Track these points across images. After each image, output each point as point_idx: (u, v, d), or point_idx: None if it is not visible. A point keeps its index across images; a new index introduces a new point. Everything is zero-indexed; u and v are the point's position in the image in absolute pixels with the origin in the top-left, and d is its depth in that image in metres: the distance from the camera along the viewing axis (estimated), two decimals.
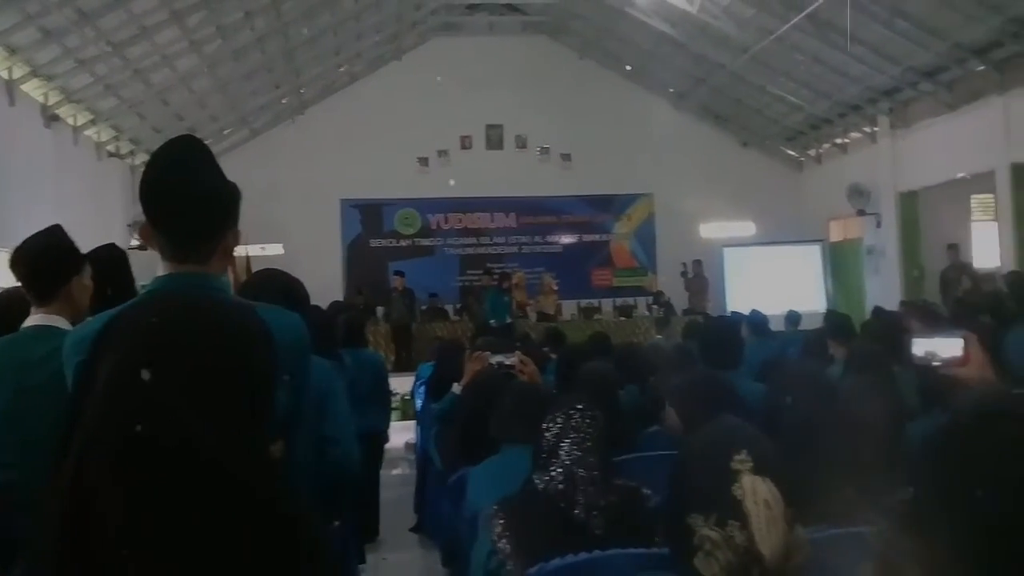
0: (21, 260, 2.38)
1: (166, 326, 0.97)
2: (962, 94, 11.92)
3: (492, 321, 12.15)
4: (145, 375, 0.93)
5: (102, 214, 11.58)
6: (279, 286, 2.60)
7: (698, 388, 2.92)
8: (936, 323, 7.02)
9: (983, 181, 11.91)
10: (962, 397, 1.85)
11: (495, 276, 14.04)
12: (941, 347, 1.94)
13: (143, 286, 1.84)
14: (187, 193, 1.61)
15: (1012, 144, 10.95)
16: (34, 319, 2.35)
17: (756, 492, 1.31)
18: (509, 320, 12.59)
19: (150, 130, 13.10)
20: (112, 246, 2.92)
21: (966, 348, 1.89)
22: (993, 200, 11.90)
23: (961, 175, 12.19)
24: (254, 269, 9.85)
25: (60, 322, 2.30)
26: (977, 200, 14.02)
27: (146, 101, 12.16)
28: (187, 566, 0.87)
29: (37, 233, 2.45)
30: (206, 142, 1.78)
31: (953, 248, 12.14)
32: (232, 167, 1.79)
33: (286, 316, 1.78)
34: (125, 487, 0.88)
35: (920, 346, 1.95)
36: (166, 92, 12.28)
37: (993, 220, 12.06)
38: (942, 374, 1.92)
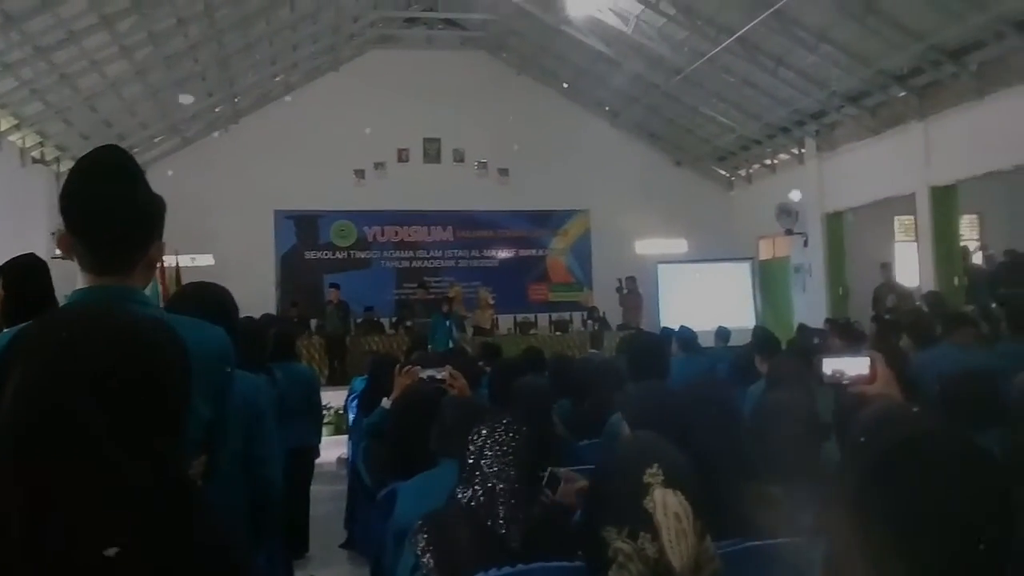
0: None
1: (75, 342, 0.96)
2: (884, 119, 12.38)
3: (430, 347, 12.10)
4: (51, 392, 0.92)
5: (24, 222, 11.21)
6: (207, 299, 2.55)
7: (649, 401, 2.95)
8: (857, 341, 7.27)
9: (905, 203, 12.35)
10: (865, 416, 1.92)
11: (431, 295, 14.06)
12: (849, 366, 2.01)
13: (66, 297, 1.80)
14: (109, 204, 1.59)
15: (931, 168, 11.40)
16: None
17: (667, 505, 1.35)
18: (451, 346, 12.57)
19: (77, 136, 12.74)
20: (31, 255, 2.83)
21: (872, 366, 1.96)
22: (914, 221, 12.34)
23: (884, 197, 12.63)
24: (184, 280, 9.68)
25: None
26: (899, 221, 14.54)
27: (73, 107, 11.84)
28: None
29: None
30: (135, 150, 1.77)
31: (885, 267, 12.54)
32: (162, 176, 1.78)
33: (208, 330, 1.76)
34: (28, 508, 0.87)
35: (829, 365, 2.02)
36: (94, 98, 11.98)
37: (914, 241, 12.51)
38: (850, 392, 1.99)
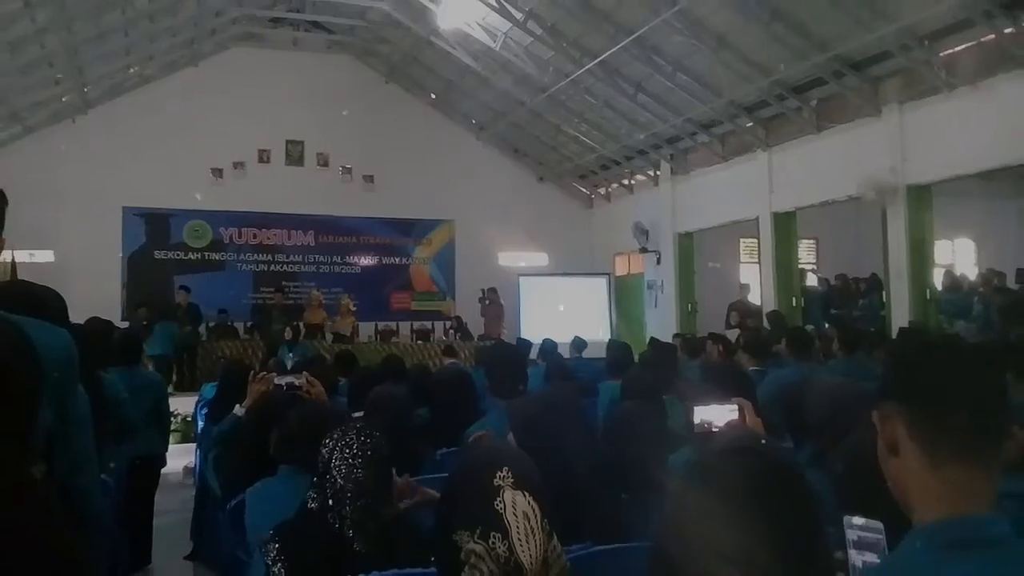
0: None
1: None
2: (733, 146, 13.11)
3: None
4: None
5: None
6: (33, 299, 2.34)
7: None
8: (697, 355, 7.65)
9: (750, 227, 13.09)
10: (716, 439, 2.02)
11: (289, 300, 13.82)
12: (718, 415, 2.07)
13: None
14: None
15: (774, 195, 12.17)
16: None
17: (516, 505, 1.42)
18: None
19: None
20: None
21: (741, 413, 2.05)
22: (757, 244, 13.10)
23: (731, 220, 13.34)
24: (21, 277, 9.07)
25: None
26: (745, 243, 15.39)
27: None
28: None
29: None
30: None
31: (744, 287, 13.23)
32: None
33: (54, 332, 1.71)
34: None
35: (699, 414, 2.07)
36: None
37: (757, 262, 13.27)
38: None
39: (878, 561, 1.50)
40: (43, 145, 14.19)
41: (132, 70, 14.72)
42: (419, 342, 14.40)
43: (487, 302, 14.98)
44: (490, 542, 1.40)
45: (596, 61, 12.07)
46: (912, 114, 9.96)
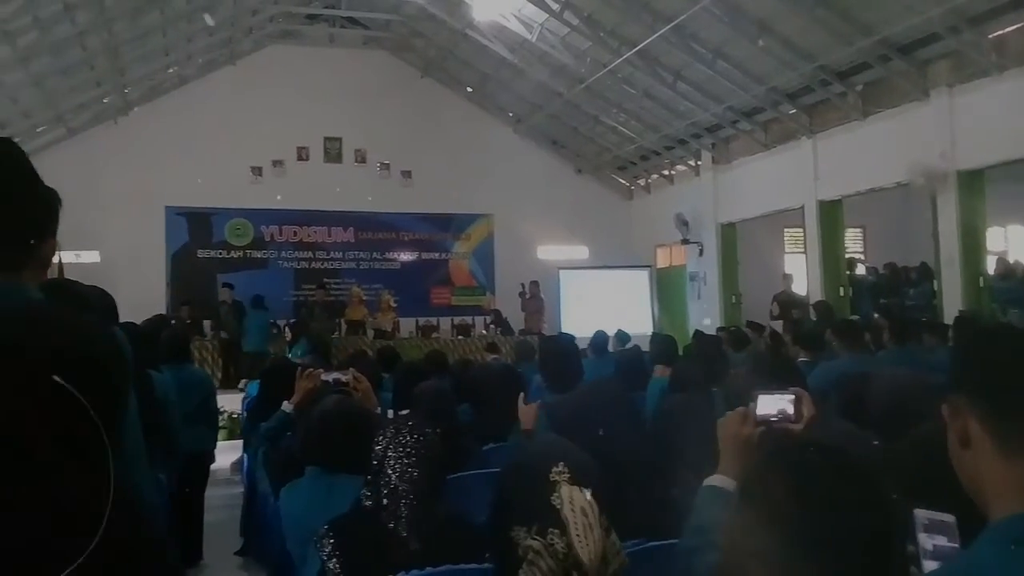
0: None
1: (22, 338, 0.92)
2: (776, 135, 12.90)
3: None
4: None
5: None
6: (84, 297, 2.40)
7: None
8: (744, 347, 7.53)
9: (794, 216, 12.88)
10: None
11: (331, 296, 13.94)
12: (776, 405, 1.99)
13: None
14: (2, 200, 1.51)
15: (819, 182, 11.95)
16: None
17: (573, 500, 1.38)
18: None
19: None
20: None
21: (797, 405, 1.98)
22: (802, 233, 12.88)
23: (775, 209, 13.14)
24: (67, 277, 9.21)
25: None
26: (789, 233, 15.16)
27: None
28: None
29: None
30: (16, 140, 1.67)
31: (787, 277, 13.04)
32: (45, 168, 1.69)
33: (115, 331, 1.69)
34: None
35: (762, 405, 1.98)
36: None
37: (802, 252, 13.06)
38: (775, 429, 1.98)
39: (949, 546, 1.44)
40: (86, 147, 14.43)
41: (171, 70, 14.92)
42: (459, 337, 14.42)
43: (527, 296, 14.95)
44: (548, 538, 1.36)
45: (634, 50, 11.94)
46: (961, 98, 9.70)
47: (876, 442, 2.25)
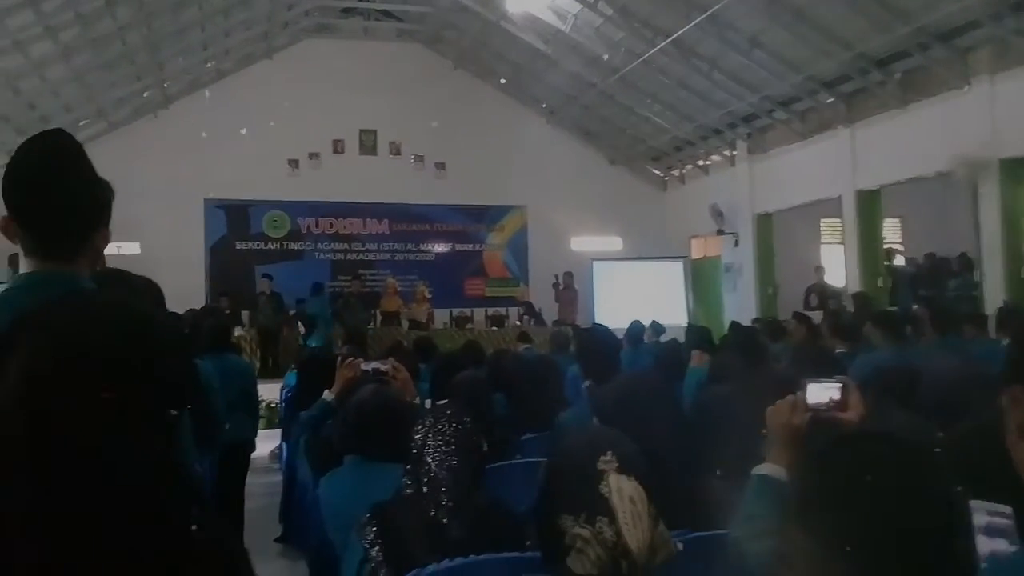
0: None
1: (83, 324, 0.94)
2: (813, 124, 12.73)
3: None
4: (56, 374, 0.90)
5: None
6: (138, 287, 2.47)
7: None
8: (782, 339, 7.47)
9: (831, 206, 12.72)
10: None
11: (366, 288, 14.02)
12: (822, 394, 1.98)
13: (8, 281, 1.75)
14: (56, 190, 1.56)
15: (857, 172, 11.78)
16: None
17: (621, 489, 1.39)
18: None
19: None
20: None
21: (844, 393, 1.97)
22: (840, 224, 12.72)
23: (812, 200, 12.99)
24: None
25: None
26: (826, 223, 14.97)
27: None
28: None
29: None
30: None
31: (819, 269, 12.89)
32: None
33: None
34: (35, 490, 0.85)
35: (812, 393, 1.97)
36: (17, 79, 11.52)
37: (840, 243, 12.90)
38: (822, 418, 1.97)
39: (1011, 549, 1.42)
40: (127, 140, 14.65)
41: (209, 64, 15.09)
42: (493, 328, 14.45)
43: (561, 287, 14.93)
44: (597, 527, 1.37)
45: (669, 40, 11.85)
46: (1004, 85, 9.50)
47: (941, 433, 2.23)
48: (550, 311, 14.94)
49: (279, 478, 6.41)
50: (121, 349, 0.93)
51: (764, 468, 1.86)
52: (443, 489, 2.21)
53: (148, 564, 0.88)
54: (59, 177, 1.57)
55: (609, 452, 1.42)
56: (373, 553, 2.16)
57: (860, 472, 1.09)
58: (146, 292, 2.41)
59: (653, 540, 1.39)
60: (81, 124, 14.17)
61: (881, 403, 2.44)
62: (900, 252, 14.37)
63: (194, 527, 0.95)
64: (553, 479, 1.47)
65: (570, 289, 14.92)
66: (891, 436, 1.17)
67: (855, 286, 11.61)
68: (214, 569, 0.96)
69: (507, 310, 15.48)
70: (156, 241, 13.82)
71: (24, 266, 1.61)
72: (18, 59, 11.01)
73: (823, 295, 12.43)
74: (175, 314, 3.60)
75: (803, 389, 1.96)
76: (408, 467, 2.32)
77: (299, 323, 12.51)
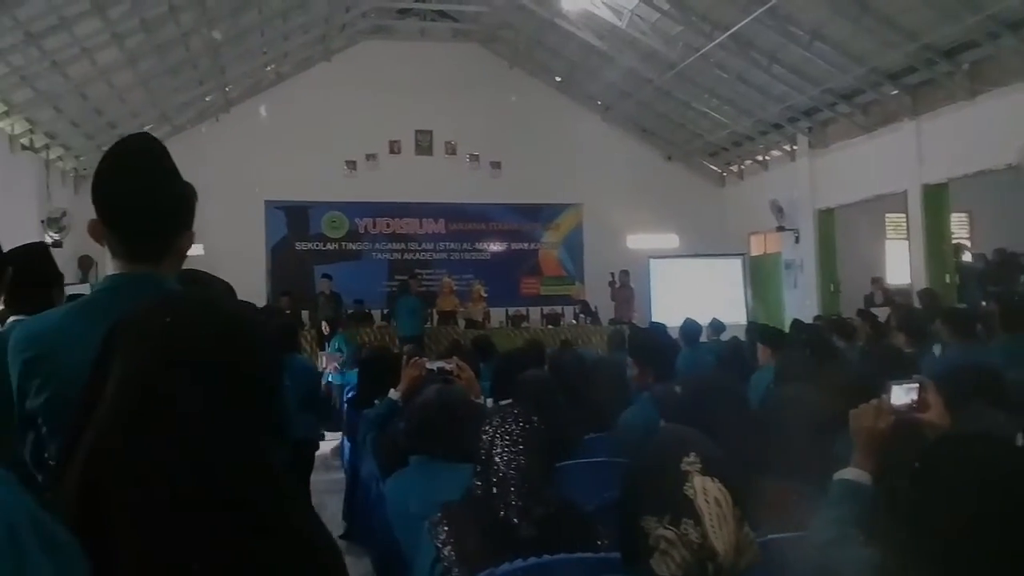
0: None
1: (180, 328, 0.96)
2: (876, 117, 12.44)
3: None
4: (155, 378, 0.91)
5: (13, 209, 11.10)
6: (215, 288, 2.53)
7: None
8: (850, 337, 7.31)
9: (896, 201, 12.41)
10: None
11: (422, 287, 14.12)
12: (899, 395, 1.94)
13: (96, 283, 1.79)
14: (144, 193, 1.59)
15: (923, 166, 11.47)
16: None
17: (707, 491, 1.36)
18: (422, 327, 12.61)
19: (67, 124, 12.63)
20: (39, 243, 2.84)
21: (922, 393, 1.91)
22: (905, 219, 12.40)
23: (875, 194, 12.69)
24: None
25: None
26: (890, 219, 14.62)
27: (63, 94, 11.72)
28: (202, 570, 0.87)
29: None
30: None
31: (876, 281, 12.62)
32: None
33: None
34: (136, 492, 0.87)
35: (897, 395, 1.92)
36: (85, 85, 11.86)
37: (904, 238, 12.58)
38: (905, 419, 1.92)
39: None
40: (189, 143, 14.91)
41: (269, 68, 15.34)
42: (549, 327, 14.44)
43: (617, 285, 14.84)
44: (682, 528, 1.35)
45: (727, 34, 11.68)
46: None
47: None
48: (606, 310, 14.86)
49: (340, 475, 6.48)
50: (219, 350, 0.94)
51: (848, 473, 1.81)
52: (512, 489, 2.21)
53: (251, 559, 0.89)
54: (147, 180, 1.60)
55: (693, 453, 1.39)
56: (445, 553, 2.16)
57: (969, 476, 1.05)
58: (225, 292, 2.46)
59: (739, 543, 1.36)
60: (146, 128, 14.52)
61: (969, 403, 2.37)
62: (967, 248, 13.96)
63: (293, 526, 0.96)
64: (636, 479, 1.45)
65: (626, 287, 14.82)
66: (994, 438, 1.13)
67: (920, 283, 11.32)
68: (314, 567, 0.97)
69: (562, 309, 15.44)
70: (219, 242, 14.06)
71: (111, 268, 1.65)
72: (86, 66, 11.33)
73: (887, 293, 12.14)
74: (265, 311, 3.66)
75: (887, 391, 1.90)
76: (477, 468, 2.32)
77: (323, 324, 12.53)
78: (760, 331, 5.42)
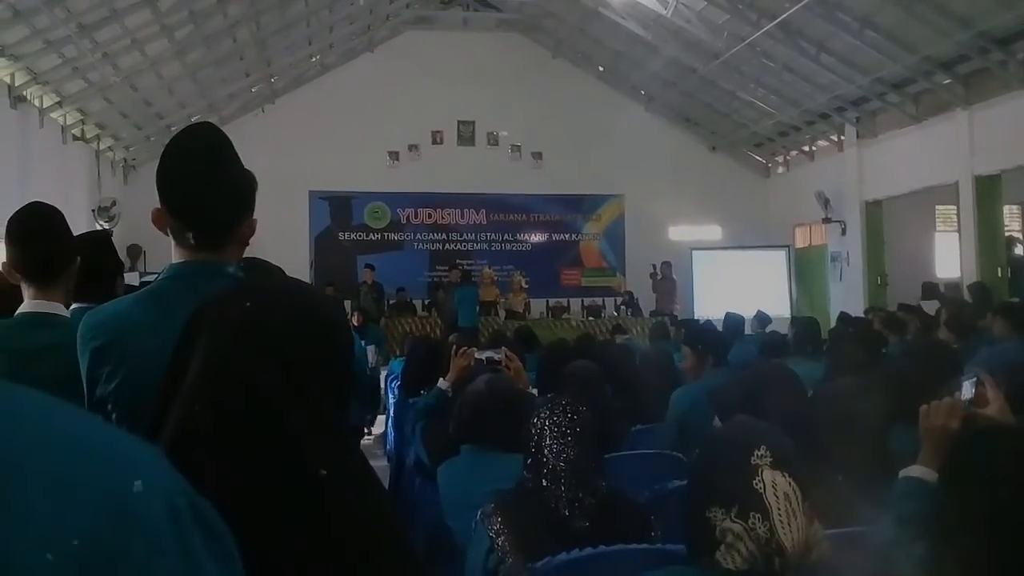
0: (24, 239, 2.18)
1: (261, 315, 0.97)
2: (928, 107, 12.17)
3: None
4: (236, 364, 0.93)
5: (66, 198, 11.30)
6: (274, 275, 2.56)
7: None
8: (900, 331, 7.18)
9: (947, 192, 12.15)
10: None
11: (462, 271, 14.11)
12: (966, 390, 1.90)
13: (154, 273, 1.82)
14: (210, 182, 1.61)
15: (975, 157, 11.21)
16: (31, 305, 2.16)
17: (776, 485, 1.35)
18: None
19: (117, 115, 12.86)
20: (104, 232, 2.89)
21: (978, 388, 1.88)
22: (956, 211, 12.15)
23: (925, 186, 12.43)
24: None
25: (59, 308, 2.20)
26: (940, 211, 14.32)
27: (114, 85, 11.92)
28: (281, 557, 0.88)
29: (32, 212, 2.25)
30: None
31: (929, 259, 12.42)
32: None
33: None
34: (221, 479, 0.88)
35: (965, 390, 1.89)
36: (134, 76, 12.05)
37: (955, 231, 12.32)
38: (966, 415, 1.87)
39: None
40: (236, 134, 14.55)
41: (314, 59, 15.47)
42: (590, 318, 14.40)
43: (659, 277, 14.75)
44: (749, 522, 1.33)
45: (775, 22, 11.50)
46: None
47: None
48: (647, 301, 14.77)
49: (384, 463, 6.53)
50: (300, 336, 0.95)
51: (915, 471, 1.78)
52: (562, 481, 2.21)
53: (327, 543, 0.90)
54: (211, 168, 1.62)
55: (764, 446, 1.38)
56: (499, 543, 2.17)
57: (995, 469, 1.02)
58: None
59: (808, 539, 1.35)
60: (193, 119, 14.71)
61: None
62: (1021, 241, 13.64)
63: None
64: (704, 471, 1.44)
65: (668, 279, 14.72)
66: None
67: (971, 277, 11.07)
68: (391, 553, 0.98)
69: (603, 300, 15.39)
70: (264, 232, 13.63)
71: (175, 256, 1.67)
72: (136, 57, 11.51)
73: (934, 287, 11.92)
74: (340, 299, 3.70)
75: (960, 389, 1.87)
76: (528, 461, 2.33)
77: (355, 315, 12.38)
78: (798, 328, 5.32)
